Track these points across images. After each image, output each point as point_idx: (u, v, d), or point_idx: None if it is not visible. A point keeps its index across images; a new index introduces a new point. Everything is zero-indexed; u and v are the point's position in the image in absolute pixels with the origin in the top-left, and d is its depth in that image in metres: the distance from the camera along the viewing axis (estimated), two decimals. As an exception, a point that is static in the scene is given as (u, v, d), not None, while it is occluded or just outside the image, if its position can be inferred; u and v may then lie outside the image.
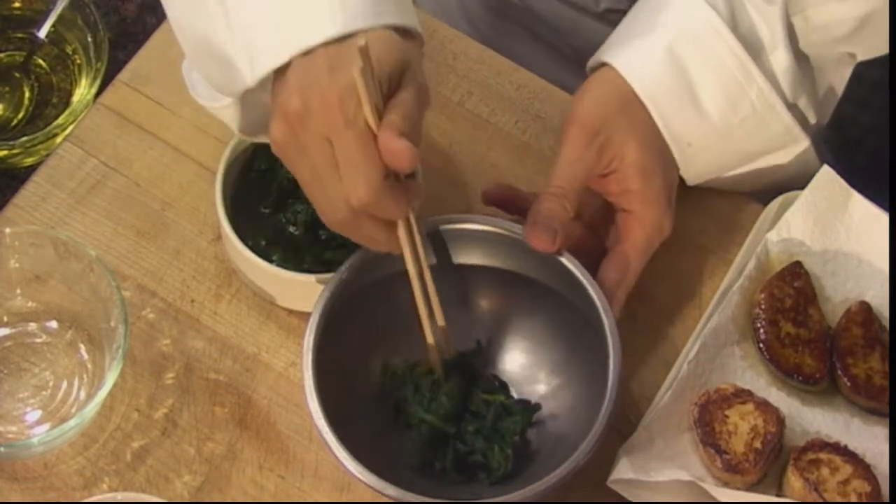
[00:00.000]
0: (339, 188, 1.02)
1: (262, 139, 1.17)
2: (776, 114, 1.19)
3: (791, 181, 1.26)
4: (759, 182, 1.26)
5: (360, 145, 1.00)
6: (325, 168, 1.02)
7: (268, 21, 1.03)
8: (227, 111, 1.13)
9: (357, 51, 0.98)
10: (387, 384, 1.17)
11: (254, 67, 1.04)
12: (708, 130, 1.19)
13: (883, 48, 1.24)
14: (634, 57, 1.19)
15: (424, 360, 1.16)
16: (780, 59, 1.19)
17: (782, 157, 1.23)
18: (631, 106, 1.18)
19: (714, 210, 1.27)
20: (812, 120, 1.23)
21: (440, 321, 1.13)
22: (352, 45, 0.99)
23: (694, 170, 1.22)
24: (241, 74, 1.05)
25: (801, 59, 1.21)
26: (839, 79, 1.26)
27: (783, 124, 1.20)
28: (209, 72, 1.11)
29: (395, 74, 1.01)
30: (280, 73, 1.04)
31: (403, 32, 1.04)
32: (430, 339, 1.13)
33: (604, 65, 1.20)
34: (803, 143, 1.22)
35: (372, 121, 1.00)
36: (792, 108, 1.20)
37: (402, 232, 1.07)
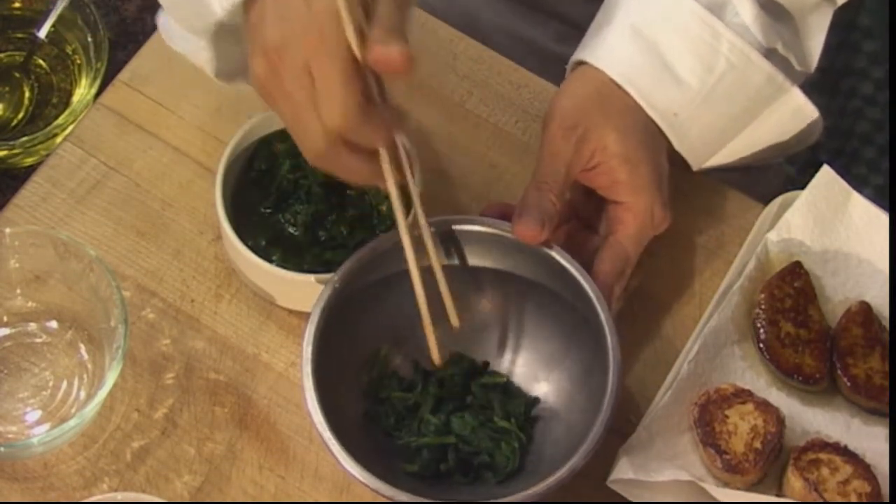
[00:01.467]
0: (318, 119, 1.02)
1: (239, 83, 1.17)
2: (753, 64, 1.19)
3: (800, 141, 1.25)
4: (769, 152, 1.26)
5: (337, 69, 1.00)
6: (305, 99, 1.02)
7: None
8: (201, 54, 1.14)
9: None
10: (371, 411, 1.17)
11: None
12: (690, 96, 1.19)
13: None
14: (603, 46, 1.19)
15: (405, 373, 1.17)
16: (747, 10, 1.19)
17: (778, 114, 1.23)
18: (608, 97, 1.18)
19: (714, 210, 1.27)
20: (796, 66, 1.23)
21: (441, 282, 1.12)
22: None
23: (690, 143, 1.21)
24: (210, 7, 1.06)
25: (772, 7, 1.21)
26: (819, 24, 1.25)
27: (763, 73, 1.19)
28: (180, 11, 1.12)
29: None
30: (251, 4, 1.04)
31: None
32: (430, 339, 1.13)
33: (579, 65, 1.21)
34: (793, 94, 1.21)
35: (355, 44, 1.00)
36: (770, 55, 1.20)
37: (385, 164, 1.06)
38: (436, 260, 1.12)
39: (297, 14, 1.01)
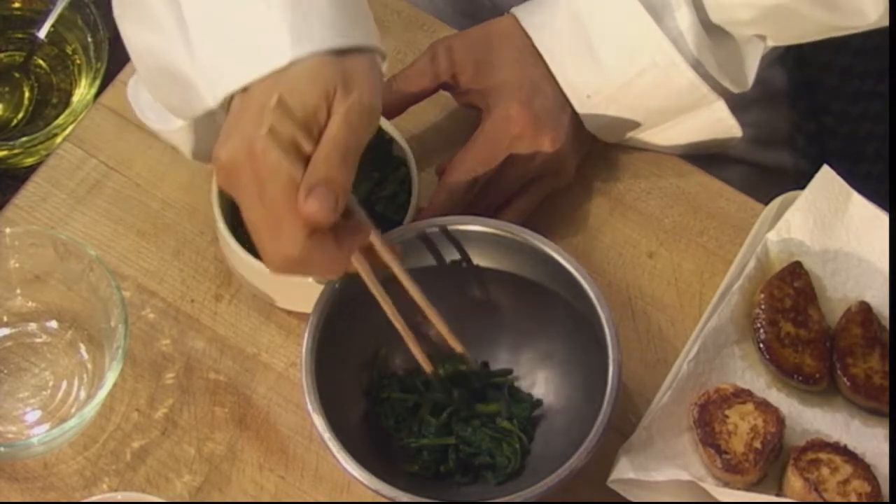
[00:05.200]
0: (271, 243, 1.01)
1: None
2: (677, 67, 1.20)
3: (718, 146, 1.28)
4: (683, 148, 1.28)
5: (281, 201, 0.98)
6: (257, 222, 1.00)
7: (228, 43, 1.01)
8: (178, 135, 1.12)
9: (272, 107, 0.96)
10: (371, 411, 1.17)
11: (215, 89, 1.02)
12: (606, 81, 1.21)
13: (793, 39, 1.27)
14: (536, 11, 1.23)
15: (408, 369, 1.17)
16: (684, 17, 1.20)
17: (698, 120, 1.24)
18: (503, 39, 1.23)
19: (714, 210, 1.27)
20: (726, 83, 1.23)
21: (437, 323, 1.13)
22: (289, 75, 0.98)
23: (601, 124, 1.24)
24: (201, 96, 1.03)
25: (710, 26, 1.22)
26: (753, 53, 1.26)
27: (687, 79, 1.20)
28: (165, 94, 1.09)
29: (320, 105, 0.98)
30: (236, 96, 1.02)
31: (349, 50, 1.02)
32: (416, 353, 1.14)
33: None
34: (717, 107, 1.22)
35: (294, 171, 0.97)
36: (698, 66, 1.21)
37: (357, 262, 1.06)
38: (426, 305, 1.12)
39: (244, 134, 0.98)
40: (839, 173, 1.23)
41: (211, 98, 1.02)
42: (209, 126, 1.10)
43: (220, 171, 1.00)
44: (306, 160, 0.98)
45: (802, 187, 1.23)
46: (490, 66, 1.22)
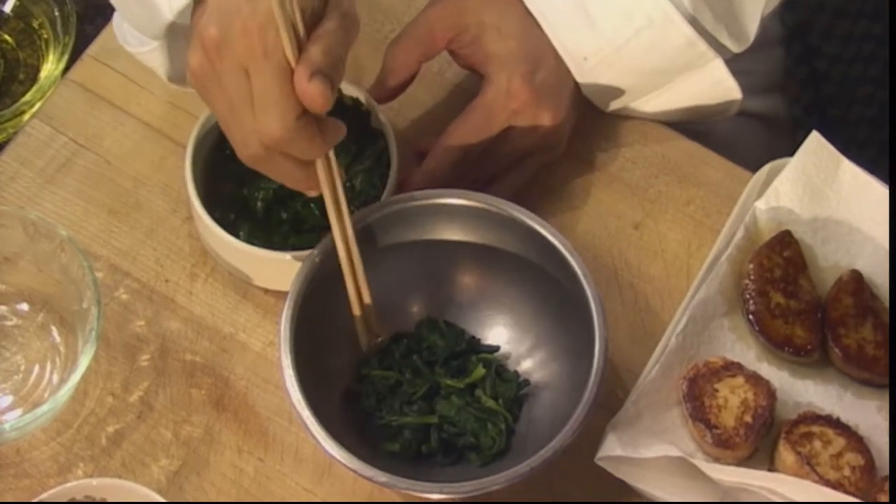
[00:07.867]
0: (253, 122, 1.01)
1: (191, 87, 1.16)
2: (673, 24, 1.18)
3: (718, 112, 1.26)
4: (682, 114, 1.27)
5: (275, 79, 0.99)
6: (240, 100, 1.01)
7: None
8: (153, 55, 1.15)
9: None
10: (351, 389, 1.16)
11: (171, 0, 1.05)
12: (602, 44, 1.20)
13: None
14: None
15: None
16: None
17: (696, 81, 1.23)
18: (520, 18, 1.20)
19: (702, 179, 1.26)
20: (724, 39, 1.21)
21: (364, 288, 1.12)
22: None
23: (598, 89, 1.23)
24: (159, 8, 1.05)
25: None
26: (753, 5, 1.24)
27: (684, 36, 1.19)
28: (131, 12, 1.12)
29: (318, 2, 1.00)
30: (199, 4, 1.03)
31: None
32: (353, 301, 1.13)
33: None
34: (715, 65, 1.21)
35: (290, 54, 0.99)
36: (694, 23, 1.19)
37: (321, 172, 1.06)
38: (361, 272, 1.12)
39: (238, 10, 0.99)
40: (832, 118, 1.23)
41: (167, 9, 1.06)
42: (182, 47, 1.11)
43: (205, 47, 1.01)
44: (299, 48, 0.99)
45: (795, 139, 1.22)
46: (493, 32, 1.19)
